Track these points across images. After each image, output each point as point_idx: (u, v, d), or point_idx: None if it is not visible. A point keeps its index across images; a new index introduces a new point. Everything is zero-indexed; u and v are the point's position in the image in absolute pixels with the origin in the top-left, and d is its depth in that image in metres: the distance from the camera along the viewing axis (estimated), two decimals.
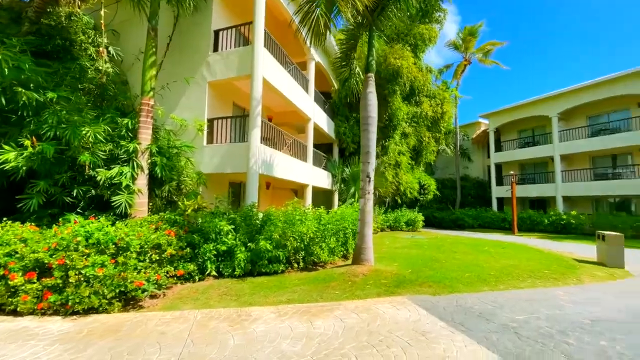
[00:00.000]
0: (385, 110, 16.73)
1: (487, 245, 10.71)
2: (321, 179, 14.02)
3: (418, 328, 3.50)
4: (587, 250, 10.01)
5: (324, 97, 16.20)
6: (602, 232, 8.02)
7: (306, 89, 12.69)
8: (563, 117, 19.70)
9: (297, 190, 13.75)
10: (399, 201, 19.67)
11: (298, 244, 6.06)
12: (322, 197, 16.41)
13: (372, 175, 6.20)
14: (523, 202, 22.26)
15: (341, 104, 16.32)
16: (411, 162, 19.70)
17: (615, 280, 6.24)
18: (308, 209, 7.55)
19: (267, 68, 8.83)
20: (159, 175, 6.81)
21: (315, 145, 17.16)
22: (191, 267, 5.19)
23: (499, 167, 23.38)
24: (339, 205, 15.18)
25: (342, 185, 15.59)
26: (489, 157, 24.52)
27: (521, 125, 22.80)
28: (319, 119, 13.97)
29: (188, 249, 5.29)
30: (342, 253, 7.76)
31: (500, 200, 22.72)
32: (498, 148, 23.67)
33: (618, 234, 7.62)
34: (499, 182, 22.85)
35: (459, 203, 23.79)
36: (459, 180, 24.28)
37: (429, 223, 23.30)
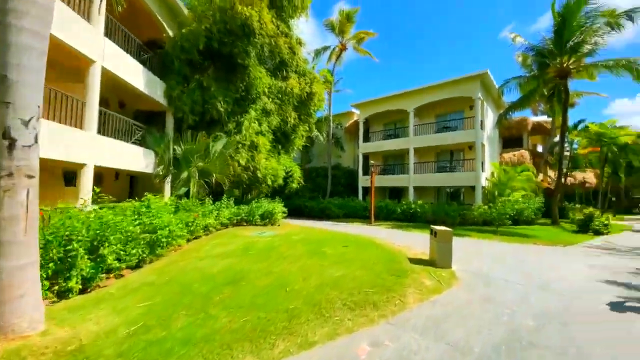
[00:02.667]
0: (241, 78, 13.51)
1: (331, 243, 9.02)
2: (126, 157, 9.65)
3: None
4: (426, 241, 9.59)
5: (148, 47, 11.65)
6: (435, 227, 7.13)
7: (84, 12, 8.00)
8: (417, 114, 21.15)
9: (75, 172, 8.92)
10: (265, 190, 17.05)
11: None
12: (148, 185, 11.96)
13: (23, 135, 2.73)
14: (384, 192, 23.40)
15: (179, 58, 12.06)
16: (276, 146, 17.30)
17: (441, 293, 4.93)
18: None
19: None
20: None
21: (135, 112, 12.43)
22: None
23: (366, 157, 23.84)
24: (171, 197, 11.18)
25: (172, 168, 11.57)
26: (359, 147, 24.85)
27: (386, 118, 23.74)
28: (124, 68, 9.44)
29: None
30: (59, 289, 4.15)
31: (366, 190, 23.22)
32: (367, 138, 24.13)
33: (447, 229, 6.77)
34: (365, 172, 23.28)
35: (329, 192, 23.21)
36: (330, 169, 23.70)
37: (300, 213, 21.88)
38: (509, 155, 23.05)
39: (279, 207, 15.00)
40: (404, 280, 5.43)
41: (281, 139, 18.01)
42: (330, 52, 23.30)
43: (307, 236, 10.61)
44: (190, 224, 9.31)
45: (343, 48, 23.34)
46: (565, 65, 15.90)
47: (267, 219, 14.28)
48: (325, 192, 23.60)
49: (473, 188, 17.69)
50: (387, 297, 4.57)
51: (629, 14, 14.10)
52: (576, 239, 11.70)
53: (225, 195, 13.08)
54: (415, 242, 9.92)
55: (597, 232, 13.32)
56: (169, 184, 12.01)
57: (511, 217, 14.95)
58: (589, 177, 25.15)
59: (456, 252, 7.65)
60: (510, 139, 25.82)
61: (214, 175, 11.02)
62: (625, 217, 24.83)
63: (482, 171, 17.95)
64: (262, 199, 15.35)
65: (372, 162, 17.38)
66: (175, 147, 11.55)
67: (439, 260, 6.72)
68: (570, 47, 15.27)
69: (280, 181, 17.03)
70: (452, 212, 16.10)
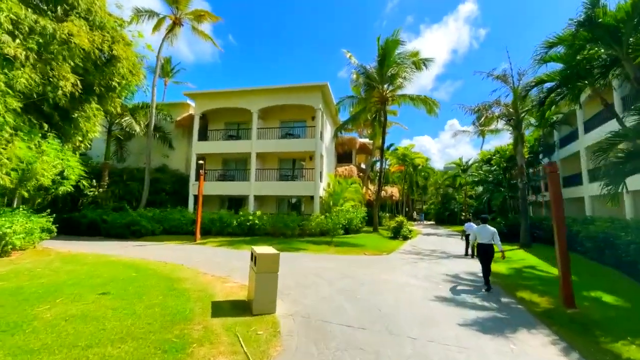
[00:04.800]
0: None
1: (80, 289, 4.97)
2: None
3: None
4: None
5: None
6: (256, 249, 4.71)
7: None
8: (262, 116, 19.39)
9: None
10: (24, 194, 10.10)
11: None
12: None
13: None
14: (223, 201, 19.96)
15: None
16: (37, 125, 10.77)
17: None
18: None
19: None
20: None
21: None
22: None
23: (202, 159, 19.75)
24: None
25: None
26: (194, 146, 20.40)
27: (229, 117, 20.65)
28: None
29: None
30: None
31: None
32: (203, 137, 20.10)
33: (272, 253, 4.49)
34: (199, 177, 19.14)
35: (145, 201, 17.44)
36: (149, 170, 18.00)
37: (96, 231, 15.12)
38: (341, 169, 25.10)
39: (21, 224, 8.85)
40: None
41: (53, 116, 11.54)
42: (158, 20, 18.14)
43: (37, 278, 5.86)
44: None
45: (177, 22, 18.70)
46: (384, 93, 18.35)
47: None
48: (140, 200, 17.61)
49: (312, 198, 17.34)
50: None
51: (424, 61, 17.79)
52: (394, 246, 12.59)
53: None
54: (241, 266, 7.32)
55: (405, 238, 15.31)
56: None
57: (343, 226, 15.22)
58: (395, 191, 31.46)
59: (286, 278, 5.68)
60: (342, 155, 28.59)
61: None
62: (414, 223, 32.51)
63: (320, 181, 18.01)
64: None
65: (201, 162, 13.80)
66: None
67: (259, 301, 4.32)
68: (388, 77, 17.71)
69: (47, 181, 10.71)
70: (291, 222, 14.84)
